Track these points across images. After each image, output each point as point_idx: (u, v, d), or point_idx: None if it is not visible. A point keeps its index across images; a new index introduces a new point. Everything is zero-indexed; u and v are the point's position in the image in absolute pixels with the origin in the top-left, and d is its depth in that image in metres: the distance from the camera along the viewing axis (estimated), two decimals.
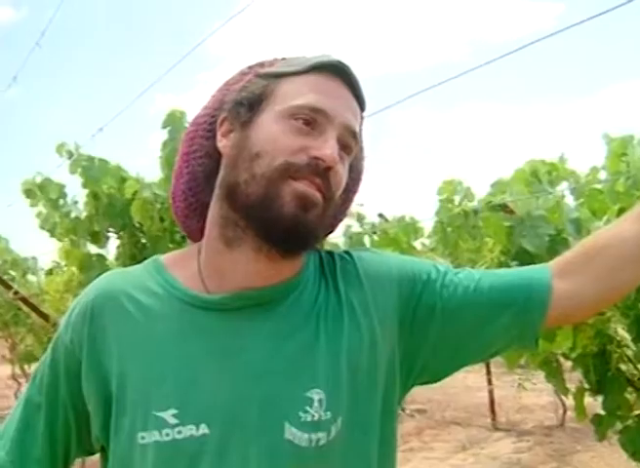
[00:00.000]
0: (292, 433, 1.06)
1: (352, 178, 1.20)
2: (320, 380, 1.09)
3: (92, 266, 4.19)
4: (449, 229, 3.21)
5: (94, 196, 4.13)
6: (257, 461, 1.05)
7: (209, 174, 1.18)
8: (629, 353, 2.73)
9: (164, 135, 3.79)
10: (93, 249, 4.40)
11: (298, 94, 1.10)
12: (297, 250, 1.12)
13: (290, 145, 1.07)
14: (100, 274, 3.68)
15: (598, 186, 3.77)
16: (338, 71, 1.13)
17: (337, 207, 1.16)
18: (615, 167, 2.46)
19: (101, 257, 4.24)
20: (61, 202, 4.53)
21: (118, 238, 4.29)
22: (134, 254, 4.12)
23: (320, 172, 1.07)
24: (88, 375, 1.12)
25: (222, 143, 1.14)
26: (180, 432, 1.05)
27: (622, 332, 2.72)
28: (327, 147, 1.07)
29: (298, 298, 1.15)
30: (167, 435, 1.05)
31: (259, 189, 1.06)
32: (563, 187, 4.21)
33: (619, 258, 1.18)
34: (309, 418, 1.07)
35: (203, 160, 1.19)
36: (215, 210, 1.15)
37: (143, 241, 4.14)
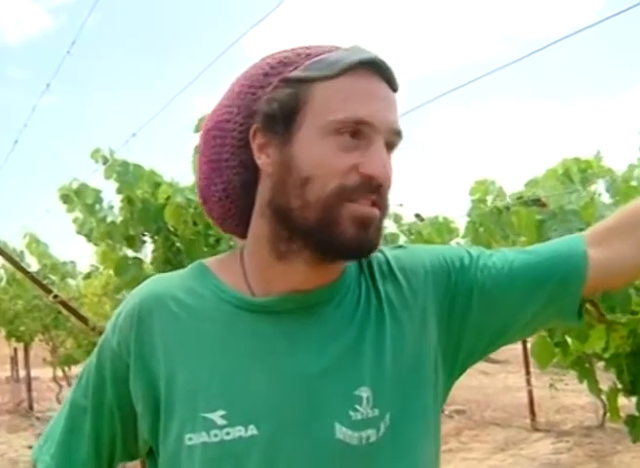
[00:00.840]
0: (343, 432, 1.07)
1: None
2: (366, 378, 1.10)
3: (128, 269, 4.23)
4: (481, 229, 3.20)
5: (128, 201, 4.17)
6: (306, 462, 1.06)
7: (245, 182, 1.15)
8: None
9: (196, 139, 3.81)
10: (129, 253, 4.45)
11: (337, 104, 1.05)
12: (361, 259, 1.15)
13: (340, 167, 1.04)
14: (135, 277, 3.73)
15: (634, 183, 3.73)
16: (372, 67, 1.08)
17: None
18: None
19: (138, 260, 4.28)
20: (97, 207, 4.57)
21: (153, 242, 4.34)
22: (168, 258, 4.16)
23: (374, 189, 1.05)
24: (136, 378, 1.13)
25: (262, 160, 1.11)
26: (228, 433, 1.05)
27: None
28: (378, 163, 1.05)
29: (341, 301, 1.16)
30: (215, 436, 1.05)
31: (316, 215, 1.05)
32: (599, 185, 4.18)
33: None
34: (359, 416, 1.08)
35: (238, 170, 1.15)
36: (261, 225, 1.13)
37: (178, 245, 4.17)
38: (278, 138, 1.09)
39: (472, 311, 1.19)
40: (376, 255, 1.23)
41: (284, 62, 1.12)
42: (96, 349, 1.21)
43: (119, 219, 4.39)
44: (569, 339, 2.77)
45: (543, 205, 2.58)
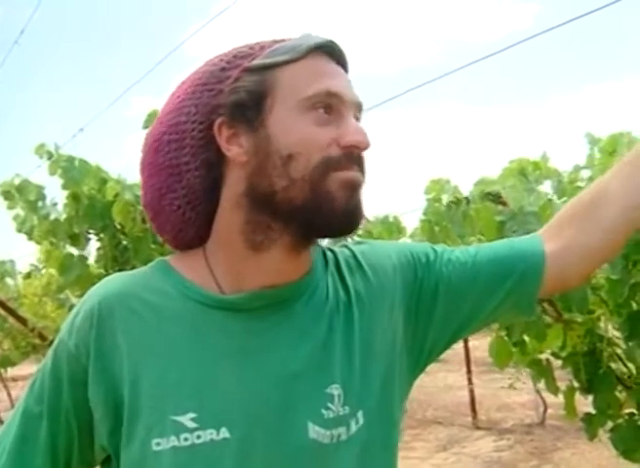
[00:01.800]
0: (316, 431, 1.05)
1: None
2: (337, 375, 1.09)
3: (72, 268, 4.11)
4: (436, 228, 3.20)
5: (74, 197, 4.06)
6: (281, 463, 1.03)
7: (209, 184, 1.12)
8: (619, 351, 2.73)
9: (142, 135, 3.72)
10: (72, 251, 4.33)
11: (305, 82, 1.06)
12: (349, 233, 1.12)
13: (320, 140, 1.04)
14: (80, 276, 3.62)
15: (581, 184, 3.77)
16: (329, 50, 1.11)
17: None
18: (606, 164, 2.45)
19: (83, 258, 4.16)
20: (40, 204, 4.44)
21: (98, 240, 4.23)
22: (115, 256, 4.06)
23: (356, 158, 1.06)
24: (95, 381, 1.07)
25: (234, 151, 1.08)
26: (199, 436, 1.01)
27: (612, 331, 2.72)
28: (355, 132, 1.06)
29: (311, 297, 1.14)
30: (185, 440, 1.01)
31: (303, 193, 1.04)
32: (546, 186, 4.24)
33: (602, 210, 1.21)
34: (332, 415, 1.06)
35: (200, 172, 1.11)
36: (234, 217, 1.10)
37: (125, 242, 4.08)
38: (249, 126, 1.07)
39: (438, 306, 1.20)
40: (341, 250, 1.23)
41: (239, 56, 1.11)
42: (50, 352, 1.14)
43: (63, 217, 4.27)
44: (527, 339, 2.78)
45: (503, 202, 2.59)
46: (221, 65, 1.11)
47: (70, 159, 4.01)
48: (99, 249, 4.26)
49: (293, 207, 1.04)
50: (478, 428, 8.34)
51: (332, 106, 1.06)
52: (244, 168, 1.08)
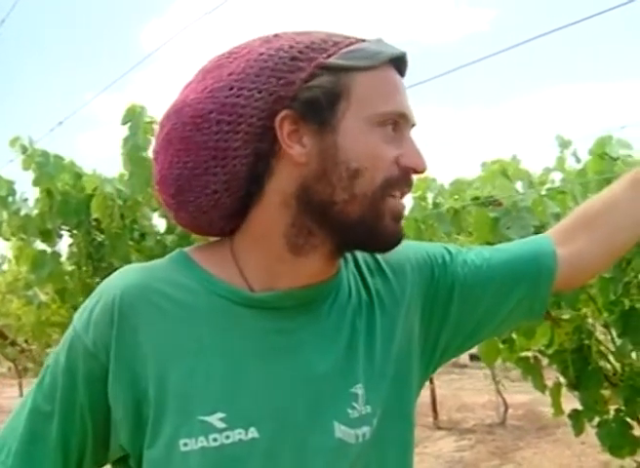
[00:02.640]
0: (342, 431, 1.03)
1: None
2: (360, 375, 1.07)
3: (45, 265, 4.03)
4: (422, 226, 3.21)
5: (47, 193, 3.98)
6: (309, 462, 1.01)
7: (253, 174, 1.05)
8: (602, 348, 2.77)
9: (124, 131, 3.69)
10: (42, 247, 4.25)
11: (383, 96, 1.02)
12: (384, 252, 1.11)
13: (386, 158, 1.01)
14: (53, 273, 3.55)
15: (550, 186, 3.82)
16: (400, 62, 1.07)
17: None
18: (597, 166, 2.49)
19: (56, 255, 4.09)
20: (11, 199, 4.35)
21: (71, 236, 4.16)
22: (90, 253, 4.00)
23: (410, 180, 1.04)
24: (116, 380, 1.01)
25: (296, 151, 1.01)
26: (228, 437, 0.98)
27: (600, 328, 2.77)
28: (417, 155, 1.04)
29: (336, 297, 1.11)
30: (214, 440, 0.97)
31: (361, 209, 1.01)
32: (518, 186, 4.30)
33: (614, 223, 1.24)
34: (357, 414, 1.04)
35: (249, 159, 1.04)
36: (277, 217, 1.05)
37: (99, 239, 4.02)
38: (316, 127, 1.01)
39: (452, 307, 1.19)
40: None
41: (312, 48, 1.04)
42: (62, 348, 1.08)
43: (34, 212, 4.19)
44: (515, 336, 2.81)
45: (499, 204, 2.61)
46: (293, 54, 1.04)
47: (45, 154, 3.94)
48: (71, 245, 4.19)
49: (347, 221, 1.02)
50: (439, 428, 8.40)
51: (399, 125, 1.03)
52: (300, 169, 1.03)
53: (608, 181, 2.39)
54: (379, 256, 1.20)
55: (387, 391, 1.10)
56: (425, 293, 1.19)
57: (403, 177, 1.03)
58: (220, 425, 0.98)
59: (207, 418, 0.99)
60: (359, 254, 1.19)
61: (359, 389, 1.06)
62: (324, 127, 1.01)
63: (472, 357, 11.55)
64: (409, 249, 1.23)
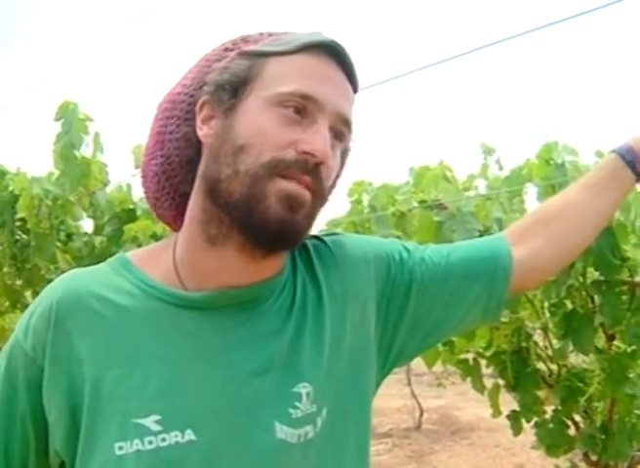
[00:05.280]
0: (284, 431, 1.02)
1: (341, 163, 1.13)
2: (305, 374, 1.06)
3: None
4: (360, 230, 3.23)
5: None
6: (249, 464, 1.00)
7: (185, 159, 1.09)
8: (539, 351, 2.84)
9: (57, 127, 3.59)
10: None
11: (286, 78, 1.01)
12: (282, 250, 1.07)
13: (278, 139, 0.98)
14: None
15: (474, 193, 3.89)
16: (330, 51, 1.04)
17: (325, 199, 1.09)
18: (543, 172, 2.55)
19: None
20: None
21: None
22: (14, 254, 3.87)
23: (310, 168, 0.99)
24: (51, 383, 1.00)
25: (203, 132, 1.05)
26: (164, 439, 0.96)
27: (537, 331, 2.83)
28: (318, 140, 0.99)
29: (278, 296, 1.10)
30: (150, 443, 0.96)
31: (242, 188, 0.98)
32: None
33: (568, 226, 1.27)
34: (300, 414, 1.03)
35: (179, 143, 1.09)
36: (196, 202, 1.07)
37: (24, 240, 3.89)
38: (224, 109, 1.03)
39: (409, 306, 1.18)
40: (312, 242, 1.20)
41: (246, 39, 1.09)
42: (3, 355, 1.06)
43: None
44: (454, 338, 2.84)
45: (445, 208, 2.65)
46: (227, 45, 1.09)
47: None
48: None
49: (231, 200, 1.00)
50: None
51: (306, 109, 1.01)
52: (208, 150, 1.05)
53: (553, 187, 2.46)
54: (332, 247, 1.18)
55: (338, 390, 1.09)
56: (382, 291, 1.18)
57: (298, 162, 0.99)
58: (156, 428, 0.97)
59: (142, 421, 0.97)
60: (311, 247, 1.17)
61: (303, 388, 1.04)
62: (229, 109, 1.02)
63: None
64: (366, 244, 1.22)
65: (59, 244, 3.76)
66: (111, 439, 0.96)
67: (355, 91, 1.10)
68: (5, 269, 3.97)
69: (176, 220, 1.14)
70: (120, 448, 0.95)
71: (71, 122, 3.53)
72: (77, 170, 3.46)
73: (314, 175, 1.00)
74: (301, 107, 1.00)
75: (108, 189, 3.83)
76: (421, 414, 8.28)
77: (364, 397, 1.14)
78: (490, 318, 1.28)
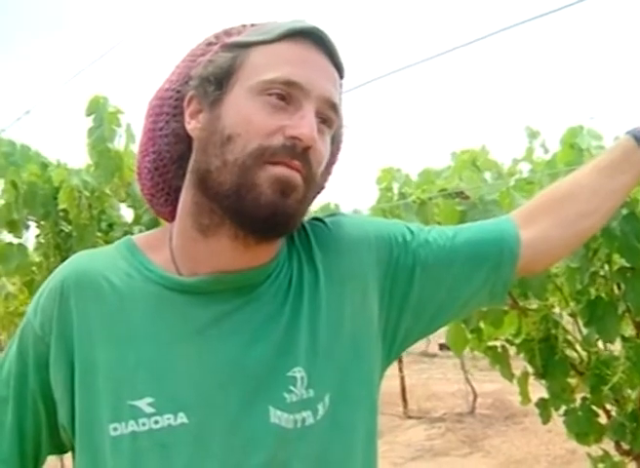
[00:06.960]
0: (277, 416, 1.02)
1: (332, 150, 1.13)
2: (300, 358, 1.06)
3: (12, 257, 3.99)
4: (390, 217, 3.21)
5: (12, 184, 3.94)
6: (241, 448, 1.00)
7: (176, 155, 1.11)
8: (569, 337, 2.80)
9: (89, 122, 3.67)
10: (8, 239, 4.20)
11: (269, 66, 1.02)
12: (276, 237, 1.07)
13: (264, 126, 0.99)
14: (20, 265, 3.51)
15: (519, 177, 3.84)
16: (312, 38, 1.05)
17: (317, 183, 1.09)
18: (567, 157, 2.50)
19: (22, 248, 4.05)
20: None
21: (38, 227, 4.12)
22: (57, 244, 3.96)
23: (298, 152, 1.00)
24: (56, 362, 1.04)
25: (192, 126, 1.06)
26: (156, 422, 0.99)
27: (567, 317, 2.79)
28: (304, 125, 0.99)
29: (274, 280, 1.10)
30: (143, 425, 0.99)
31: (232, 177, 0.99)
32: (486, 177, 4.32)
33: (578, 209, 1.24)
34: (294, 398, 1.03)
35: (169, 139, 1.11)
36: (187, 196, 1.08)
37: (67, 230, 3.98)
38: (210, 102, 1.04)
39: (413, 289, 1.17)
40: (311, 223, 1.19)
41: (228, 32, 1.10)
42: (16, 335, 1.11)
43: (0, 203, 4.14)
44: (483, 325, 2.82)
45: (466, 197, 2.62)
46: (210, 39, 1.11)
47: (11, 144, 3.90)
48: (38, 236, 4.15)
49: (221, 191, 1.01)
50: (409, 417, 8.46)
51: (291, 96, 1.01)
52: (197, 144, 1.06)
53: None
54: (332, 228, 1.18)
55: (341, 376, 1.09)
56: (385, 273, 1.16)
57: (286, 147, 0.99)
58: (149, 410, 0.99)
59: (136, 403, 0.99)
60: (310, 229, 1.17)
61: (298, 372, 1.05)
62: (216, 101, 1.04)
63: (442, 346, 11.64)
64: (367, 225, 1.21)
65: (100, 234, 3.83)
66: (106, 419, 1.00)
67: (341, 76, 1.10)
68: (51, 259, 4.06)
69: (172, 216, 1.15)
70: (115, 428, 0.99)
71: (102, 116, 3.60)
72: (111, 162, 3.53)
73: (303, 160, 1.01)
74: (286, 94, 1.01)
75: None
76: (475, 399, 8.24)
77: (369, 383, 1.14)
78: (496, 300, 1.27)
